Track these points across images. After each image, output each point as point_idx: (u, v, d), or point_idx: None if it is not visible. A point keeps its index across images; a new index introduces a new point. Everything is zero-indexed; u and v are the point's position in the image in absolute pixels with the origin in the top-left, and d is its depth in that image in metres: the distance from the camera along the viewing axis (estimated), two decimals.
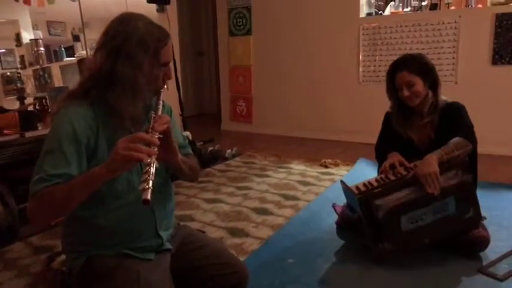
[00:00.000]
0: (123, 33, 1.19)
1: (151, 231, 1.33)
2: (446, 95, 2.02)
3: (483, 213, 1.89)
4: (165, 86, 1.30)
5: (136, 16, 1.24)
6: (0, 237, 2.16)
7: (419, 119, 1.98)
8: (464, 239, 1.86)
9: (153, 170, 1.01)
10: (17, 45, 4.57)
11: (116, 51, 1.18)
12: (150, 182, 0.99)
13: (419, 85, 1.91)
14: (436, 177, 1.74)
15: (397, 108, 2.03)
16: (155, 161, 1.03)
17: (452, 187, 1.80)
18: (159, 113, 1.21)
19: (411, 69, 1.91)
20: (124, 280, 1.20)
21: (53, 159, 1.12)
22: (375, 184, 1.88)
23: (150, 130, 1.11)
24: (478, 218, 1.87)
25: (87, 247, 1.29)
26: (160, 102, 1.25)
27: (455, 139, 1.85)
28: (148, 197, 0.98)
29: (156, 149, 1.05)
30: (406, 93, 1.91)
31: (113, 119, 1.19)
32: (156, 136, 1.10)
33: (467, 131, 1.88)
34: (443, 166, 1.80)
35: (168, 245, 1.38)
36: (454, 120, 1.92)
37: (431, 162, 1.77)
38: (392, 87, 2.00)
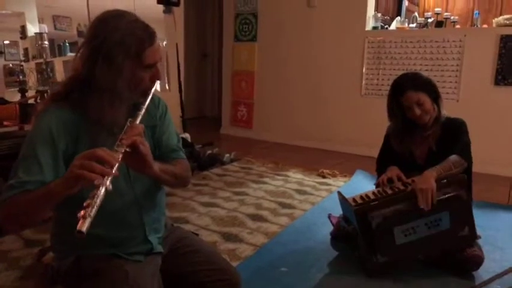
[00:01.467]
0: (102, 34, 1.11)
1: (140, 237, 1.30)
2: (446, 113, 2.03)
3: (478, 232, 1.89)
4: (157, 87, 1.22)
5: (119, 14, 1.16)
6: None
7: (422, 132, 1.99)
8: (459, 257, 1.85)
9: (102, 193, 0.93)
10: (21, 38, 4.57)
11: (95, 53, 1.11)
12: (93, 210, 0.90)
13: (427, 102, 1.92)
14: (431, 194, 1.75)
15: (401, 127, 2.03)
16: (108, 183, 0.94)
17: (446, 201, 1.80)
18: (138, 120, 1.13)
19: (417, 88, 1.92)
20: (112, 280, 1.17)
21: (27, 165, 1.08)
22: (372, 197, 1.88)
23: (118, 142, 1.04)
24: (473, 237, 1.87)
25: (74, 248, 1.26)
26: (144, 107, 1.17)
27: (453, 157, 1.86)
28: (84, 229, 0.88)
29: (115, 167, 0.98)
30: (418, 111, 1.92)
31: (94, 124, 1.13)
32: (123, 149, 1.03)
33: (464, 149, 1.90)
34: (441, 183, 1.80)
35: (158, 248, 1.35)
36: (454, 136, 1.93)
37: (429, 178, 1.78)
38: (397, 108, 1.99)
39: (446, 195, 1.80)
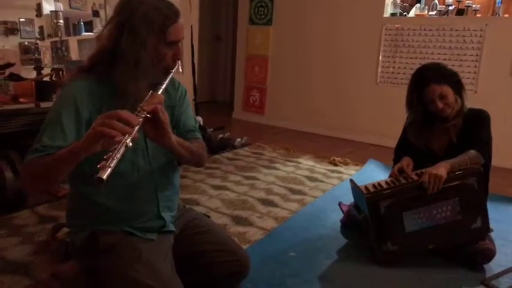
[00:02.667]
0: (128, 8, 1.16)
1: (153, 212, 1.33)
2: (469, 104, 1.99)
3: (491, 225, 1.87)
4: (179, 67, 1.26)
5: None
6: (8, 203, 2.19)
7: (444, 123, 1.96)
8: (470, 250, 1.84)
9: (120, 149, 0.94)
10: (37, 16, 4.58)
11: (120, 26, 1.16)
12: (113, 161, 0.92)
13: (451, 95, 1.88)
14: (439, 181, 1.74)
15: (421, 119, 1.99)
16: (128, 141, 0.96)
17: (455, 188, 1.79)
18: (159, 92, 1.16)
19: (440, 81, 1.87)
20: (126, 257, 1.20)
21: (51, 131, 1.12)
22: (385, 186, 1.87)
23: (139, 109, 1.07)
24: (485, 230, 1.85)
25: (90, 222, 1.29)
26: (165, 82, 1.20)
27: (471, 152, 1.83)
28: (104, 176, 0.90)
29: (135, 128, 1.00)
30: (440, 105, 1.88)
31: (117, 96, 1.17)
32: (143, 115, 1.05)
33: (484, 145, 1.87)
34: (455, 174, 1.79)
35: (171, 227, 1.38)
36: (476, 129, 1.89)
37: (441, 167, 1.77)
38: (418, 101, 1.95)
39: (455, 183, 1.78)
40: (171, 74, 1.24)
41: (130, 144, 0.97)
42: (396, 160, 2.09)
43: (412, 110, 2.01)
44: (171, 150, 1.23)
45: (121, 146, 0.95)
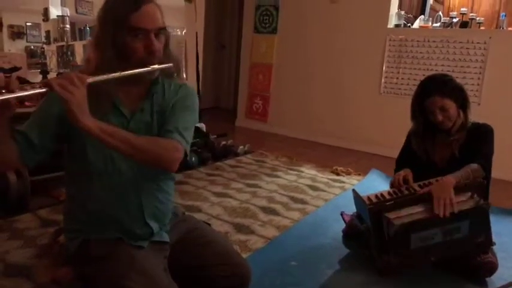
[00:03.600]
0: (102, 7, 1.20)
1: (139, 219, 1.29)
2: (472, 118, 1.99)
3: (493, 239, 1.86)
4: (155, 65, 1.18)
5: None
6: (11, 206, 2.19)
7: (446, 137, 1.96)
8: (472, 263, 1.83)
9: None
10: (43, 20, 4.63)
11: (98, 23, 1.20)
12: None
13: (453, 108, 1.88)
14: (449, 203, 1.72)
15: (423, 128, 1.99)
16: None
17: (469, 211, 1.76)
18: (123, 73, 1.11)
19: (444, 94, 1.87)
20: (119, 265, 1.17)
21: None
22: (387, 197, 1.87)
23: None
24: (488, 243, 1.84)
25: (82, 227, 1.28)
26: (136, 70, 1.14)
27: (474, 166, 1.82)
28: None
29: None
30: (440, 117, 1.88)
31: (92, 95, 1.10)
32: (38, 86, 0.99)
33: (486, 159, 1.86)
34: (460, 187, 1.78)
35: (164, 237, 1.34)
36: (479, 143, 1.89)
37: (448, 185, 1.74)
38: (419, 111, 1.96)
39: (469, 207, 1.76)
40: (151, 68, 1.17)
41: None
42: (398, 170, 2.09)
43: (414, 119, 2.02)
44: (93, 136, 1.05)
45: None
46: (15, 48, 4.42)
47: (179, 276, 1.28)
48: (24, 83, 2.74)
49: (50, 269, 1.66)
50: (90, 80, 1.04)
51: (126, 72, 1.12)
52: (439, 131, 1.97)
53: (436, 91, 1.88)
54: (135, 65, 1.15)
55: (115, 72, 1.10)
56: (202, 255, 1.34)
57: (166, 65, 1.22)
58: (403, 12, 4.43)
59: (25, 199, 2.24)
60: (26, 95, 0.96)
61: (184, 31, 4.56)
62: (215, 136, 4.18)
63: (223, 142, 4.02)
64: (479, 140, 1.91)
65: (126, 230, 1.27)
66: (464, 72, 3.81)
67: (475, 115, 2.01)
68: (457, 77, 2.09)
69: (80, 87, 1.01)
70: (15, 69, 2.83)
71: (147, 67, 1.17)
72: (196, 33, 4.38)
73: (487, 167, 1.87)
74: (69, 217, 1.34)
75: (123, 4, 1.15)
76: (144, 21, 1.15)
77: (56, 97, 1.00)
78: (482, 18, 4.05)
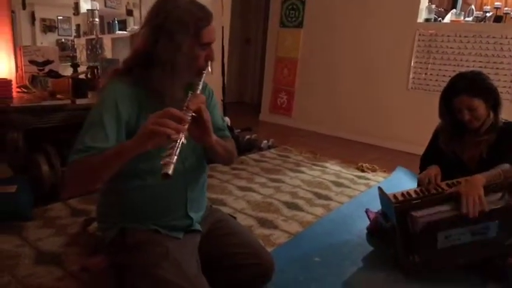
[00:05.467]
0: (164, 12, 1.20)
1: (181, 211, 1.35)
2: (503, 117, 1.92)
3: None
4: (209, 68, 1.29)
5: None
6: (43, 195, 2.28)
7: (475, 137, 1.90)
8: (501, 265, 1.78)
9: (179, 146, 0.99)
10: (74, 14, 4.74)
11: (156, 30, 1.19)
12: (174, 157, 0.96)
13: (481, 108, 1.82)
14: (478, 202, 1.67)
15: (451, 127, 1.94)
16: (182, 138, 1.00)
17: (498, 211, 1.71)
18: (197, 92, 1.20)
19: (473, 93, 1.80)
20: (154, 255, 1.22)
21: (93, 132, 1.15)
22: (414, 195, 1.84)
23: (184, 108, 1.10)
24: None
25: (119, 219, 1.32)
26: (201, 82, 1.24)
27: (505, 166, 1.77)
28: (170, 171, 0.95)
29: (186, 126, 1.04)
30: (467, 116, 1.82)
31: (153, 98, 1.20)
32: (190, 114, 1.09)
33: None
34: (490, 187, 1.73)
35: (197, 226, 1.39)
36: (509, 143, 1.83)
37: (477, 184, 1.70)
38: (446, 108, 1.91)
39: (499, 206, 1.71)
40: (204, 75, 1.27)
41: (185, 141, 1.01)
42: (422, 168, 2.05)
43: (442, 117, 1.97)
44: (211, 148, 1.27)
45: (179, 143, 0.99)
46: (47, 41, 4.56)
47: (206, 264, 1.33)
48: (56, 76, 2.82)
49: (80, 257, 1.72)
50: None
51: (201, 82, 1.25)
52: (467, 130, 1.91)
53: (465, 90, 1.81)
54: (193, 71, 1.25)
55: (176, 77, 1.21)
56: (227, 244, 1.40)
57: (210, 69, 1.29)
58: (433, 6, 4.32)
59: (57, 188, 2.31)
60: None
61: None
62: (239, 130, 4.20)
63: (248, 136, 4.03)
64: (509, 139, 1.84)
65: (166, 222, 1.32)
66: (497, 68, 3.69)
67: (509, 112, 1.94)
68: (489, 73, 2.03)
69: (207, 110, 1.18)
70: (48, 62, 2.92)
71: (202, 73, 1.26)
72: (223, 27, 4.39)
73: None
74: (106, 209, 1.38)
75: (195, 19, 1.20)
76: (212, 36, 1.25)
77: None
78: None
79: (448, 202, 1.77)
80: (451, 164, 1.95)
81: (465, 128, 1.91)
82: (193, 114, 1.11)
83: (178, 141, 0.99)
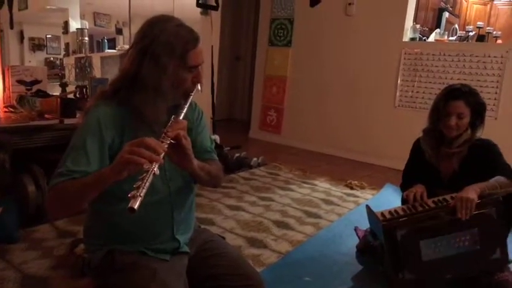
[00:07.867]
0: (150, 35, 1.20)
1: (168, 234, 1.33)
2: (484, 131, 1.97)
3: (510, 256, 1.83)
4: (199, 89, 1.28)
5: (166, 18, 1.25)
6: (29, 217, 2.24)
7: (448, 148, 1.95)
8: (488, 281, 1.80)
9: (149, 178, 0.98)
10: (63, 33, 4.75)
11: (142, 52, 1.19)
12: (143, 190, 0.96)
13: (466, 119, 1.89)
14: (471, 205, 1.71)
15: (433, 130, 1.99)
16: (155, 169, 1.00)
17: (476, 218, 1.75)
18: (181, 116, 1.20)
19: (469, 103, 1.88)
20: (141, 277, 1.21)
21: (75, 156, 1.14)
22: (401, 213, 1.86)
23: (163, 135, 1.10)
24: (504, 261, 1.82)
25: (106, 241, 1.31)
26: (186, 106, 1.23)
27: (499, 178, 1.80)
28: (135, 206, 0.93)
29: (161, 155, 1.03)
30: (453, 122, 1.88)
31: (137, 120, 1.20)
32: (167, 142, 1.09)
33: (508, 171, 1.84)
34: (488, 198, 1.77)
35: (185, 248, 1.38)
36: (490, 159, 1.88)
37: (472, 191, 1.75)
38: (437, 111, 1.96)
39: (475, 212, 1.75)
40: (191, 98, 1.27)
41: (158, 172, 1.00)
42: (404, 184, 2.08)
43: (431, 119, 2.01)
44: (192, 173, 1.26)
45: (149, 175, 0.98)
46: (35, 60, 4.55)
47: (195, 286, 1.31)
48: (44, 95, 2.81)
49: (67, 281, 1.68)
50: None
51: (186, 105, 1.25)
52: (442, 143, 1.96)
53: (464, 97, 1.88)
54: (179, 93, 1.25)
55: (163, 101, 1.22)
56: (215, 265, 1.37)
57: (199, 88, 1.29)
58: (418, 26, 4.42)
59: (43, 209, 2.28)
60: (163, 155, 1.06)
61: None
62: (229, 148, 4.20)
63: (237, 154, 4.03)
64: (486, 154, 1.90)
65: (152, 245, 1.31)
66: (481, 86, 3.77)
67: (493, 130, 2.00)
68: None
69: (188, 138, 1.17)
70: (36, 82, 2.91)
71: (189, 96, 1.27)
72: (212, 46, 4.43)
73: None
74: (93, 231, 1.36)
75: (182, 42, 1.21)
76: (199, 59, 1.26)
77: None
78: (500, 32, 4.03)
79: (434, 219, 1.79)
80: (430, 178, 1.99)
81: (441, 141, 1.96)
82: (172, 141, 1.10)
83: (150, 172, 0.98)
